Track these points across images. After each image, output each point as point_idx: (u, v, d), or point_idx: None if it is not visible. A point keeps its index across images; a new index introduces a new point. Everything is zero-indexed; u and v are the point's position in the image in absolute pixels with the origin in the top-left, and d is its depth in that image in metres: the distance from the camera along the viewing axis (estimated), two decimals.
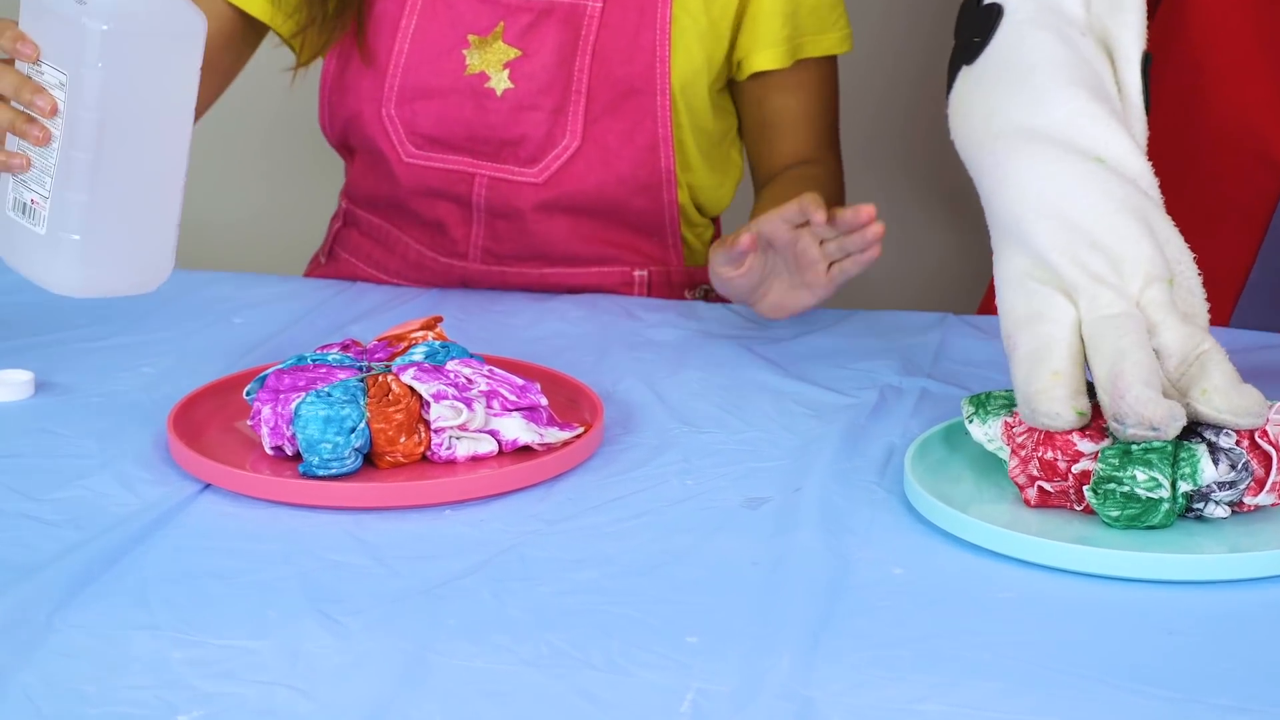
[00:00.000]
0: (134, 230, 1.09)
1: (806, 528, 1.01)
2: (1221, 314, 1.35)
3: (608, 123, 1.42)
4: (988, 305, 1.51)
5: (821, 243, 1.25)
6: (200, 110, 1.40)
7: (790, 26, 1.47)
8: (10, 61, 1.10)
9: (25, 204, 1.08)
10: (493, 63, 1.39)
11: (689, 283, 1.51)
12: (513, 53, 1.39)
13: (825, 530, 1.01)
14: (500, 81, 1.38)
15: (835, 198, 1.48)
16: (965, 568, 0.98)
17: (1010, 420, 1.03)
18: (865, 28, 1.72)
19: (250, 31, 1.44)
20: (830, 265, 1.25)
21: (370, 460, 1.08)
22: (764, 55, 1.46)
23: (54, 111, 1.06)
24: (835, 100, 1.51)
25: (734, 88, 1.49)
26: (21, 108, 1.08)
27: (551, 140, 1.41)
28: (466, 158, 1.43)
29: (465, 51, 1.40)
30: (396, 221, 1.49)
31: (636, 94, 1.41)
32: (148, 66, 1.06)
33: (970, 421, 1.06)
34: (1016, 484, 1.03)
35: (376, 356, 1.14)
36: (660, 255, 1.49)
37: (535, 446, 1.09)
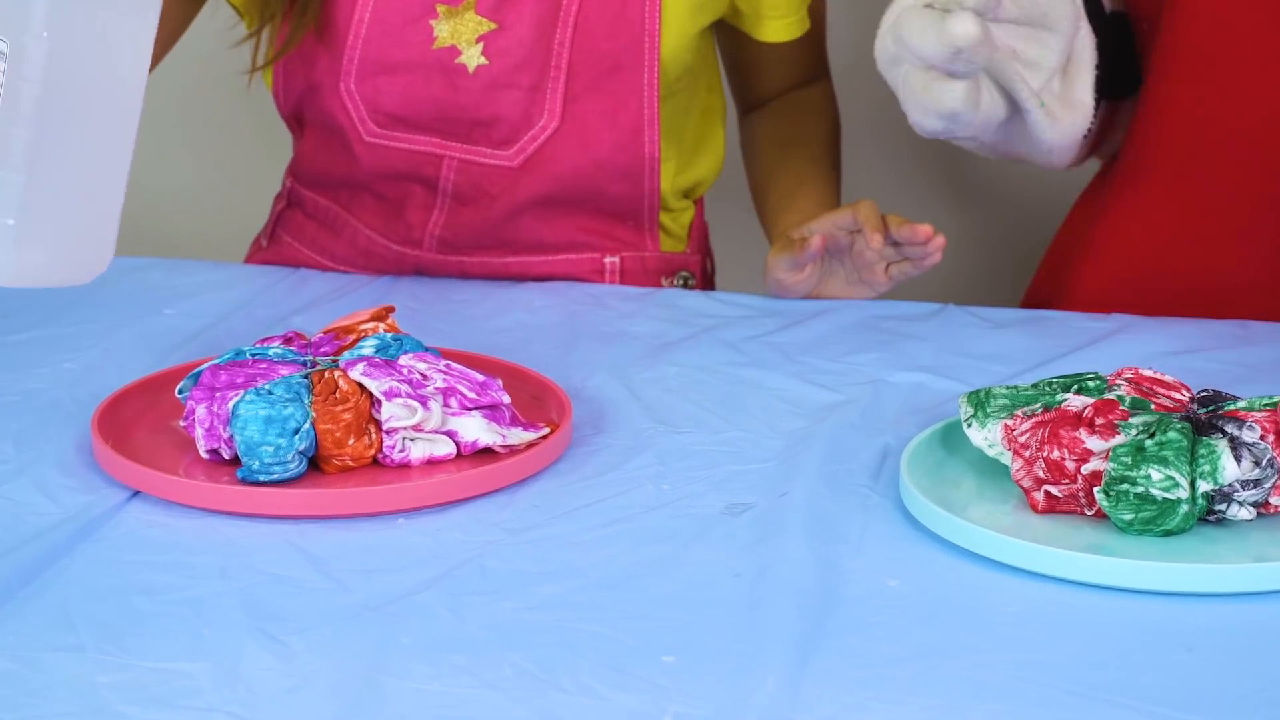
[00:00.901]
0: (73, 216, 1.07)
1: (793, 536, 1.01)
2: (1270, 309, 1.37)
3: (588, 102, 1.41)
4: (1034, 295, 1.51)
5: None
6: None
7: None
8: None
9: None
10: (465, 35, 1.38)
11: (666, 270, 1.51)
12: (487, 25, 1.38)
13: (814, 538, 1.00)
14: (473, 57, 1.37)
15: (834, 122, 1.55)
16: (966, 579, 0.98)
17: (1011, 423, 1.04)
18: (873, 14, 1.72)
19: None
20: (888, 266, 1.35)
21: (316, 465, 1.07)
22: (779, 25, 1.48)
23: None
24: (824, 19, 1.53)
25: (719, 24, 1.49)
26: None
27: (528, 120, 1.41)
28: (434, 138, 1.42)
29: (434, 22, 1.39)
30: (347, 204, 1.48)
31: (621, 71, 1.41)
32: (97, 38, 1.05)
33: (968, 425, 1.06)
34: (1021, 487, 1.03)
35: (322, 350, 1.13)
36: (635, 241, 1.49)
37: (497, 449, 1.09)
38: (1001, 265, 1.99)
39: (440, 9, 1.39)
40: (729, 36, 1.52)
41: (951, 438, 1.10)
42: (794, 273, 1.36)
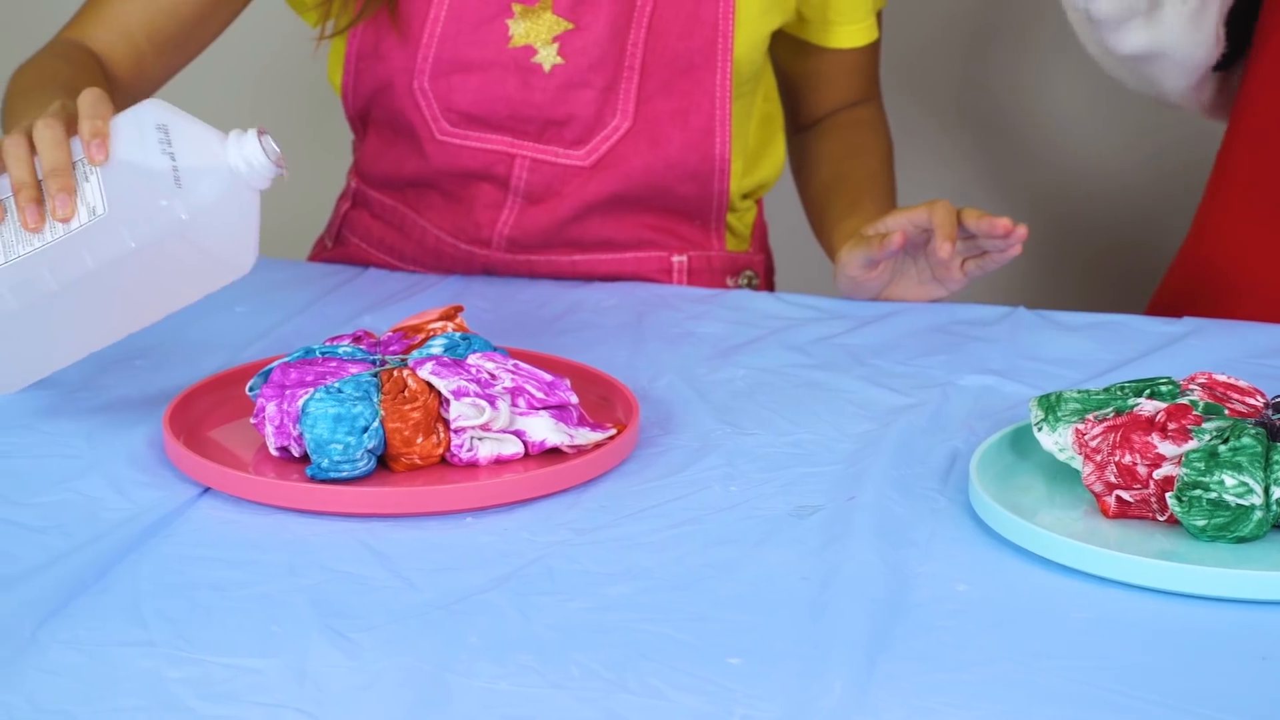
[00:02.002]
0: (23, 350, 1.10)
1: (861, 539, 1.00)
2: None
3: (660, 102, 1.42)
4: (1158, 304, 1.51)
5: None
6: (172, 72, 1.42)
7: None
8: (73, 125, 1.09)
9: None
10: (541, 35, 1.38)
11: (731, 269, 1.51)
12: (564, 25, 1.38)
13: (882, 542, 1.00)
14: (548, 56, 1.38)
15: (890, 142, 1.54)
16: (1036, 584, 0.97)
17: (1082, 427, 1.03)
18: (929, 17, 1.72)
19: None
20: (965, 261, 1.35)
21: (384, 463, 1.08)
22: (849, 31, 1.49)
23: (65, 221, 1.05)
24: (880, 40, 1.53)
25: (777, 36, 1.49)
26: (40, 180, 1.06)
27: (601, 120, 1.41)
28: (507, 137, 1.42)
29: (509, 22, 1.39)
30: (415, 204, 1.49)
31: (694, 71, 1.41)
32: (173, 267, 1.07)
33: (1039, 429, 1.05)
34: (1092, 492, 1.03)
35: (391, 349, 1.14)
36: (701, 240, 1.49)
37: (564, 449, 1.09)
38: (1069, 268, 1.98)
39: (516, 8, 1.39)
40: (786, 49, 1.52)
41: (1021, 442, 1.10)
42: (868, 270, 1.36)
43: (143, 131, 1.06)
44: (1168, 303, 1.47)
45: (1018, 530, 1.00)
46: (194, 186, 1.05)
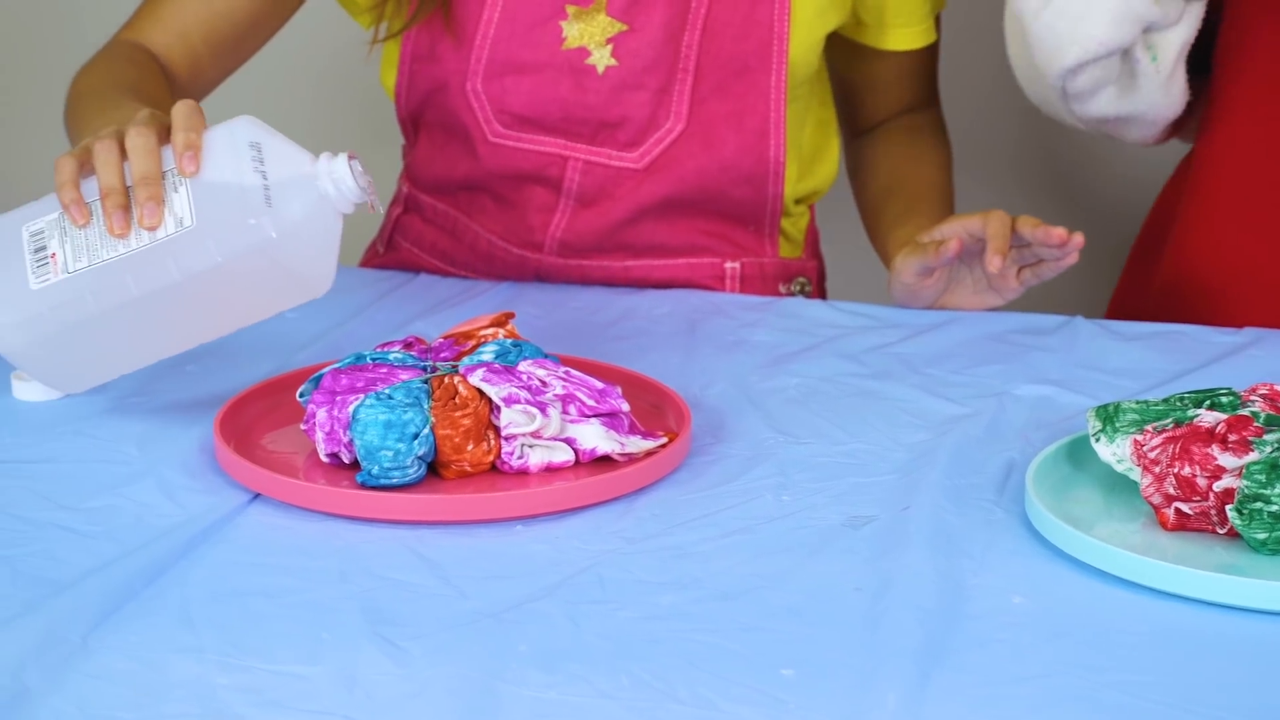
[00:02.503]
0: (95, 353, 1.11)
1: (915, 550, 1.00)
2: None
3: (715, 104, 1.42)
4: (1117, 307, 1.52)
5: (1011, 248, 1.33)
6: (224, 76, 1.43)
7: (930, 0, 1.48)
8: (166, 134, 1.09)
9: (44, 248, 1.08)
10: (595, 37, 1.39)
11: (784, 275, 1.51)
12: (618, 26, 1.38)
13: (936, 553, 1.00)
14: (602, 58, 1.38)
15: (949, 148, 1.54)
16: (1093, 597, 0.97)
17: (1141, 438, 1.02)
18: (981, 25, 1.71)
19: None
20: (1020, 270, 1.35)
21: (434, 470, 1.08)
22: (906, 34, 1.48)
23: (151, 230, 1.06)
24: (939, 45, 1.53)
25: (833, 40, 1.49)
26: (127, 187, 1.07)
27: (654, 123, 1.41)
28: (560, 139, 1.43)
29: (563, 23, 1.39)
30: (466, 208, 1.49)
31: (749, 73, 1.41)
32: (253, 284, 1.08)
33: (1097, 439, 1.05)
34: (1151, 504, 1.02)
35: (442, 356, 1.14)
36: (755, 246, 1.49)
37: (616, 457, 1.09)
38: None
39: (570, 10, 1.39)
40: (842, 53, 1.52)
41: (1079, 453, 1.09)
42: (923, 277, 1.36)
43: (236, 147, 1.07)
44: (1138, 307, 1.48)
45: (1075, 542, 0.99)
46: (283, 206, 1.06)
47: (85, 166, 1.10)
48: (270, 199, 1.06)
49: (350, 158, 1.09)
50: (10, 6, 2.10)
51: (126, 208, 1.07)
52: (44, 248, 1.09)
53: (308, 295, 1.10)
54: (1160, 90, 1.40)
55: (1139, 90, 1.39)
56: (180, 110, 1.09)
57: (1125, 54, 1.39)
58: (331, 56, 1.92)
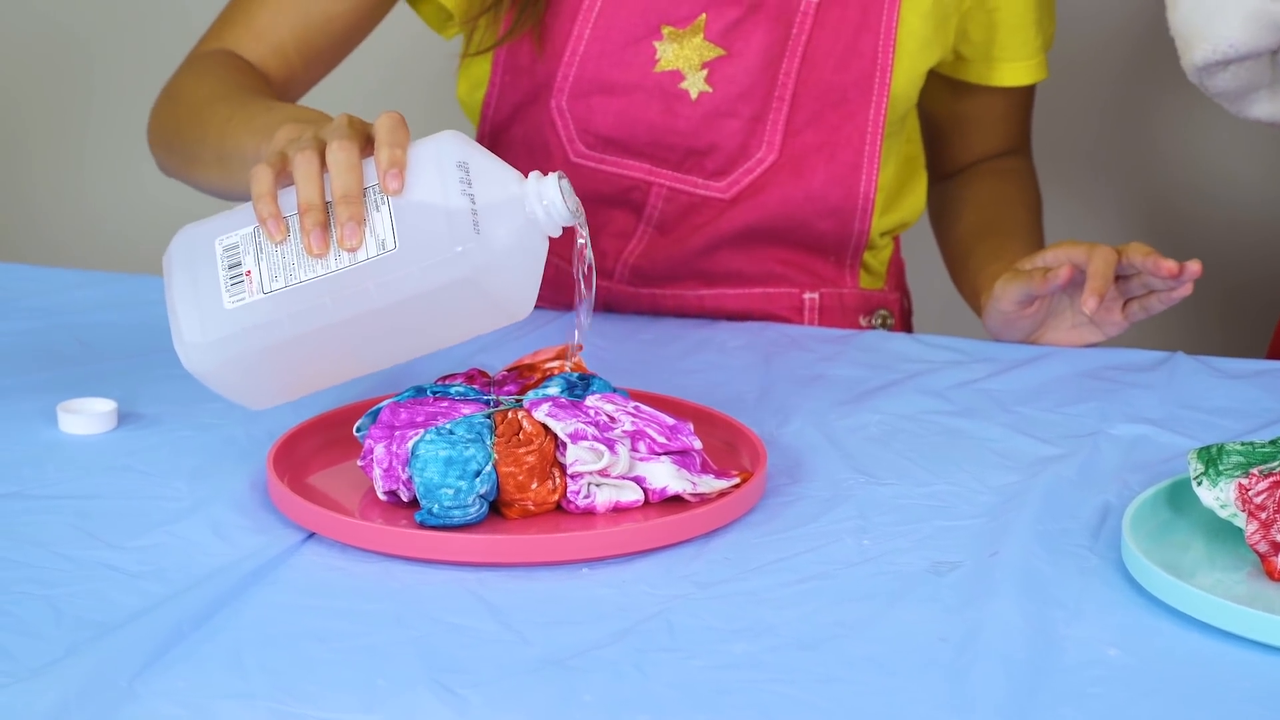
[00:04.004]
0: (285, 372, 1.10)
1: (1004, 599, 1.00)
2: None
3: (809, 135, 1.42)
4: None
5: (1118, 279, 1.32)
6: (304, 88, 1.43)
7: (1043, 33, 1.48)
8: (367, 145, 1.07)
9: (239, 264, 1.07)
10: (690, 60, 1.39)
11: (864, 307, 1.51)
12: (714, 51, 1.38)
13: (1026, 602, 0.99)
14: (696, 83, 1.38)
15: (1036, 194, 1.53)
16: (1193, 651, 0.96)
17: (1246, 482, 1.02)
18: (1080, 47, 1.71)
19: None
20: (1127, 302, 1.33)
21: (497, 509, 1.09)
22: (1016, 69, 1.48)
23: (351, 251, 1.04)
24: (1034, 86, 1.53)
25: (928, 77, 1.49)
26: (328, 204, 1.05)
27: (745, 152, 1.42)
28: (645, 164, 1.43)
29: (657, 44, 1.40)
30: None
31: (847, 104, 1.41)
32: (453, 308, 1.07)
33: (1198, 483, 1.04)
34: (1256, 552, 1.01)
35: (506, 389, 1.14)
36: (835, 277, 1.49)
37: (687, 497, 1.09)
38: (1238, 313, 1.95)
39: (665, 30, 1.40)
40: (936, 90, 1.52)
41: (1179, 497, 1.09)
42: (1023, 306, 1.35)
43: (443, 167, 1.05)
44: None
45: (1175, 592, 0.99)
46: (491, 231, 1.05)
47: (282, 176, 1.08)
48: (478, 224, 1.04)
49: (560, 178, 1.07)
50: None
51: (326, 225, 1.05)
52: (239, 264, 1.07)
53: (509, 319, 1.08)
54: None
55: None
56: (384, 123, 1.07)
57: (1277, 57, 1.36)
58: (390, 66, 1.93)
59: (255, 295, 1.06)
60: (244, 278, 1.06)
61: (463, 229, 1.04)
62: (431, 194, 1.05)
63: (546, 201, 1.07)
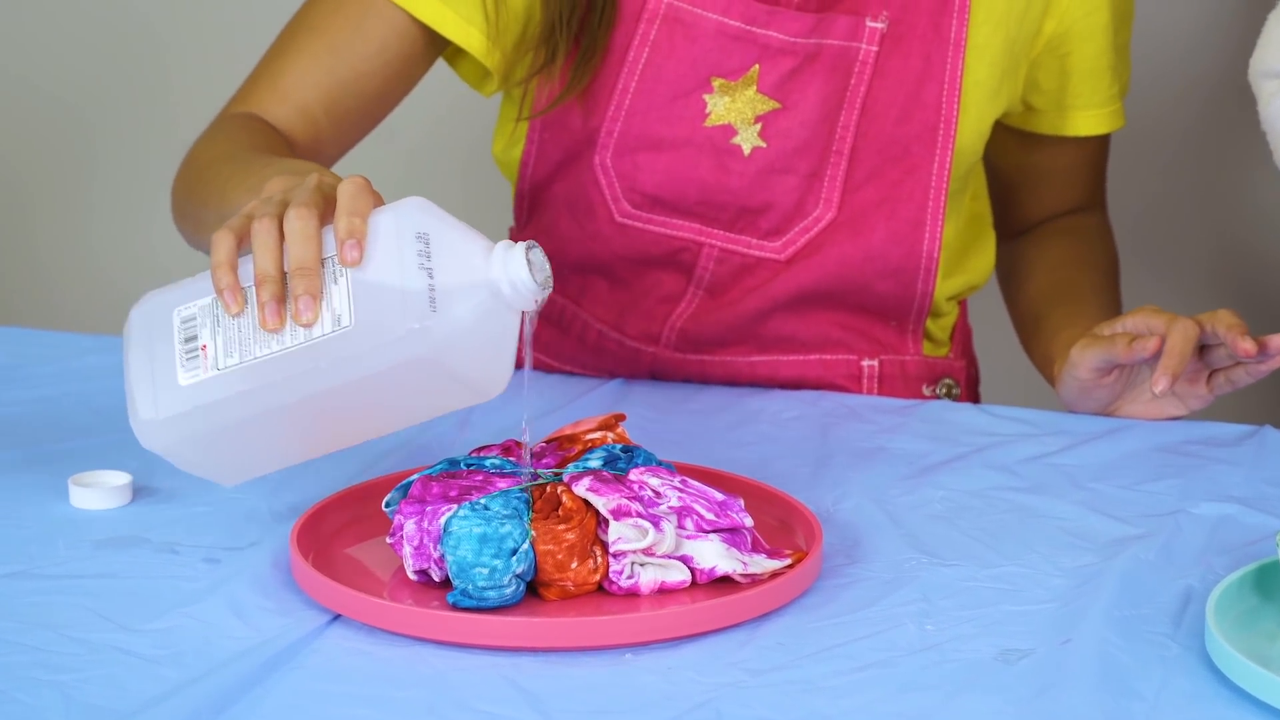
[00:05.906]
0: (244, 451, 1.12)
1: (1078, 689, 0.99)
2: None
3: (869, 192, 1.42)
4: None
5: (1203, 348, 1.31)
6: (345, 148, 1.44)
7: (1119, 79, 1.49)
8: (328, 211, 1.08)
9: (195, 337, 1.08)
10: (742, 114, 1.39)
11: (928, 376, 1.51)
12: (769, 104, 1.39)
13: (1102, 693, 0.99)
14: (749, 138, 1.38)
15: (1115, 253, 1.53)
16: None
17: None
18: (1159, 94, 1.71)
19: (431, 52, 1.43)
20: (1212, 375, 1.32)
21: (534, 590, 1.09)
22: (1090, 117, 1.48)
23: (306, 327, 1.05)
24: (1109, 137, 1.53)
25: (994, 130, 1.49)
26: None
27: (801, 210, 1.42)
28: (695, 223, 1.43)
29: (708, 97, 1.40)
30: (576, 295, 1.50)
31: (909, 158, 1.41)
32: (415, 388, 1.08)
33: None
34: None
35: (544, 462, 1.15)
36: (895, 343, 1.49)
37: (737, 578, 1.09)
38: None
39: (716, 83, 1.40)
40: (1003, 143, 1.52)
41: (1267, 581, 1.08)
42: (1101, 375, 1.34)
43: (401, 240, 1.06)
44: None
45: (1263, 684, 0.98)
46: (450, 309, 1.05)
47: (244, 241, 1.09)
48: (435, 302, 1.05)
49: (528, 249, 1.07)
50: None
51: (282, 299, 1.06)
52: (195, 337, 1.08)
53: (480, 397, 1.09)
54: None
55: None
56: (346, 189, 1.07)
57: None
58: (425, 127, 1.95)
59: (209, 372, 1.07)
60: (199, 352, 1.08)
61: (418, 307, 1.05)
62: (388, 268, 1.05)
63: (512, 273, 1.06)
